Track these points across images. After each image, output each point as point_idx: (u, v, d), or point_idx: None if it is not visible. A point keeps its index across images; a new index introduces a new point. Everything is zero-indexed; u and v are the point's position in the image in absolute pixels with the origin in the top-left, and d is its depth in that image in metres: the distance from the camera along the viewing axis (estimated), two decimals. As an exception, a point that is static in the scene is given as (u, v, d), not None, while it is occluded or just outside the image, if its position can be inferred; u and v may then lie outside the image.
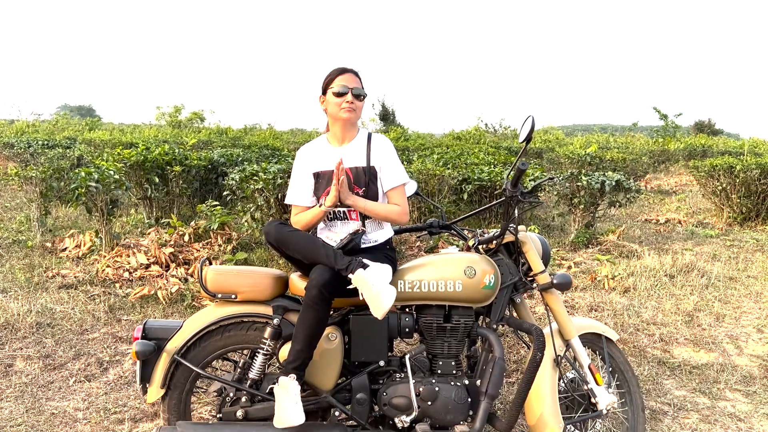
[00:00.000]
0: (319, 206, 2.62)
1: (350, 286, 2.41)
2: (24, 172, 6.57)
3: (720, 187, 8.86)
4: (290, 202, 2.77)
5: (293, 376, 2.42)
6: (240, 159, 8.92)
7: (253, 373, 2.59)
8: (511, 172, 2.61)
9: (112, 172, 6.03)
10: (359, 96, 2.67)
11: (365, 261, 2.45)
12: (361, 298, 2.39)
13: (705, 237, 7.81)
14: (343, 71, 2.69)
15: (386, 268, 2.46)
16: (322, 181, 2.71)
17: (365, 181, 2.66)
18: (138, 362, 2.56)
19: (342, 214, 2.71)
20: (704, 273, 5.84)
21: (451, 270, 2.61)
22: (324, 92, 2.72)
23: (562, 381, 2.81)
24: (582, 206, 7.23)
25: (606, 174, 7.38)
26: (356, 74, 2.71)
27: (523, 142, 2.57)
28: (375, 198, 2.70)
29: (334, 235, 2.73)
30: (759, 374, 3.96)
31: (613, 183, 7.11)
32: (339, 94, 2.65)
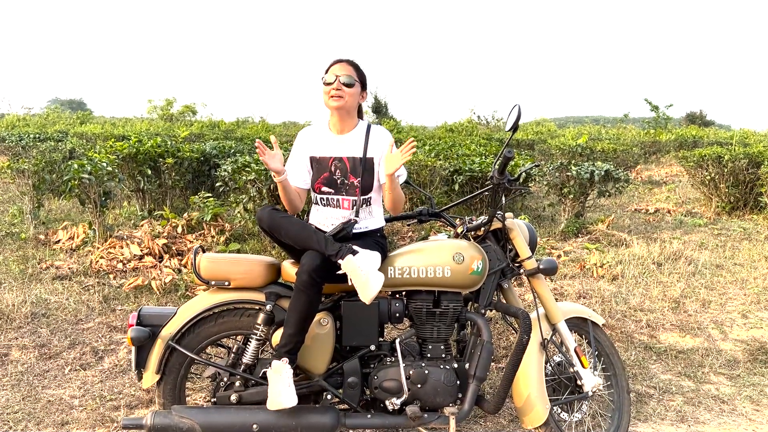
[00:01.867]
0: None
1: (340, 272, 2.47)
2: (16, 165, 6.57)
3: (708, 177, 8.95)
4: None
5: (286, 360, 2.48)
6: (232, 151, 8.94)
7: (246, 358, 2.64)
8: (498, 160, 2.66)
9: (104, 164, 6.04)
10: (348, 84, 2.68)
11: (355, 248, 2.50)
12: (350, 283, 2.45)
13: (693, 226, 7.90)
14: (337, 61, 2.73)
15: (375, 255, 2.53)
16: (318, 166, 2.76)
17: (360, 171, 2.70)
18: (133, 348, 2.61)
19: (335, 202, 2.76)
20: (691, 261, 5.92)
21: (440, 256, 2.66)
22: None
23: (548, 364, 2.88)
24: (572, 196, 7.30)
25: (595, 164, 7.45)
26: (351, 63, 2.74)
27: (509, 130, 2.63)
28: (369, 188, 2.74)
29: (324, 219, 2.78)
30: (743, 358, 4.05)
31: (602, 173, 7.18)
32: (327, 83, 2.69)
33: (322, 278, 2.49)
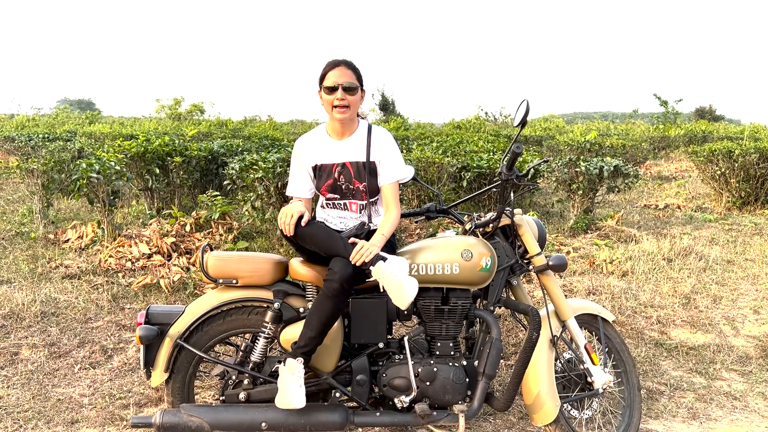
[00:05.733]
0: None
1: (370, 279, 2.46)
2: (26, 165, 6.60)
3: (719, 172, 8.87)
4: (291, 194, 2.78)
5: (301, 360, 2.47)
6: (240, 149, 8.94)
7: (254, 356, 2.64)
8: (507, 156, 2.64)
9: (113, 164, 6.06)
10: (351, 90, 2.60)
11: (383, 254, 2.48)
12: (381, 289, 2.44)
13: (704, 221, 7.84)
14: (335, 65, 2.62)
15: (402, 260, 2.48)
16: (321, 173, 2.72)
17: (365, 175, 2.67)
18: (142, 347, 2.61)
19: (343, 206, 2.74)
20: (702, 256, 5.87)
21: (448, 253, 2.64)
22: (319, 87, 2.67)
23: (558, 361, 2.86)
24: (581, 192, 7.26)
25: (604, 159, 7.40)
26: (350, 66, 2.64)
27: (518, 125, 2.61)
28: (375, 191, 2.71)
29: (332, 219, 2.76)
30: (755, 354, 4.02)
31: (612, 168, 7.14)
32: (329, 91, 2.60)
33: (351, 286, 2.48)
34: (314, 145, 2.74)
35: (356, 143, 2.70)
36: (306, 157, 2.75)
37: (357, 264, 2.43)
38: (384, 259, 2.44)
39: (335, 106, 2.60)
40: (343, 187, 2.69)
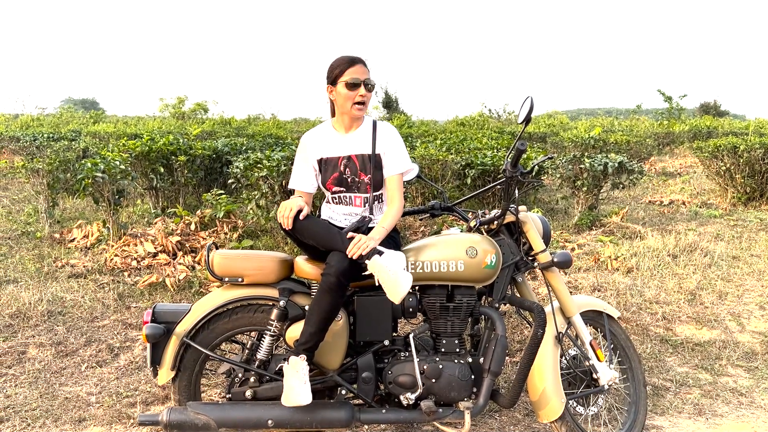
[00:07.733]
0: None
1: (366, 273, 2.46)
2: (31, 165, 6.62)
3: (724, 168, 8.83)
4: (293, 187, 2.81)
5: (303, 356, 2.48)
6: (244, 148, 8.95)
7: (260, 354, 2.65)
8: (511, 153, 2.64)
9: (117, 163, 6.07)
10: (371, 86, 2.66)
11: (380, 248, 2.49)
12: (377, 283, 2.45)
13: (709, 217, 7.81)
14: (353, 62, 2.65)
15: (400, 255, 2.52)
16: (327, 167, 2.74)
17: (371, 168, 2.69)
18: (148, 345, 2.62)
19: (348, 200, 2.75)
20: (707, 252, 5.85)
21: (453, 250, 2.65)
22: (333, 83, 2.67)
23: (564, 358, 2.86)
24: (585, 188, 7.24)
25: (609, 156, 7.39)
26: (365, 64, 2.70)
27: (522, 122, 2.61)
28: (380, 184, 2.73)
29: (337, 215, 2.77)
30: (761, 350, 4.01)
31: (616, 165, 7.12)
32: (352, 87, 2.62)
33: (349, 280, 2.49)
34: (320, 139, 2.78)
35: (362, 136, 2.73)
36: (312, 151, 2.77)
37: (354, 257, 2.45)
38: (380, 253, 2.46)
39: (356, 103, 2.63)
40: (349, 179, 2.71)
